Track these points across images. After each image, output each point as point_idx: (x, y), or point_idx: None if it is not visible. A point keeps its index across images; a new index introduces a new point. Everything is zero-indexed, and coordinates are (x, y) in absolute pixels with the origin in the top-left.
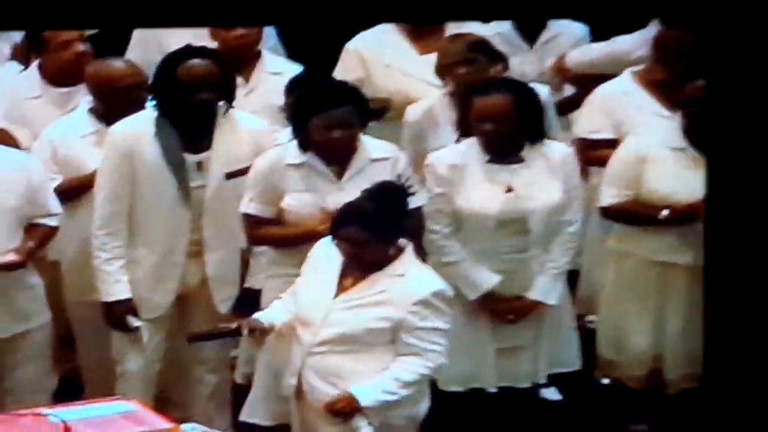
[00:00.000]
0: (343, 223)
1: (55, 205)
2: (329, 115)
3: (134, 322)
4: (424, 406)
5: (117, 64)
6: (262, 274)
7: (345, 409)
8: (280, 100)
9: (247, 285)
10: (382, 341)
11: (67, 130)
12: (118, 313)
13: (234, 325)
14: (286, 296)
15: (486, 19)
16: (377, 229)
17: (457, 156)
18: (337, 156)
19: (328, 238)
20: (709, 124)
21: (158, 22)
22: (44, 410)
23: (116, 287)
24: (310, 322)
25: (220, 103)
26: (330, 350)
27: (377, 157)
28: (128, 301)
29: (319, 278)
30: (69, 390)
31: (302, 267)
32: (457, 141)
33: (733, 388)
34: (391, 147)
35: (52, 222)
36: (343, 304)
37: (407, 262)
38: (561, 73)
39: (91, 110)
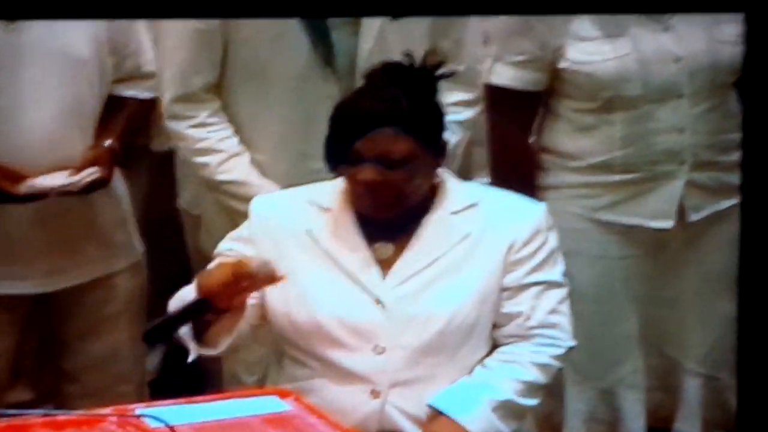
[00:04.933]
0: (374, 123)
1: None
2: None
3: None
4: None
5: None
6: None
7: None
8: None
9: None
10: (471, 324)
11: None
12: None
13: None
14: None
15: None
16: (426, 134)
17: None
18: None
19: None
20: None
21: (159, 14)
22: (138, 408)
23: None
24: (361, 331)
25: None
26: (414, 368)
27: None
28: None
29: (321, 260)
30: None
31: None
32: None
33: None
34: None
35: (142, 92)
36: (402, 287)
37: (457, 185)
38: None
39: None
